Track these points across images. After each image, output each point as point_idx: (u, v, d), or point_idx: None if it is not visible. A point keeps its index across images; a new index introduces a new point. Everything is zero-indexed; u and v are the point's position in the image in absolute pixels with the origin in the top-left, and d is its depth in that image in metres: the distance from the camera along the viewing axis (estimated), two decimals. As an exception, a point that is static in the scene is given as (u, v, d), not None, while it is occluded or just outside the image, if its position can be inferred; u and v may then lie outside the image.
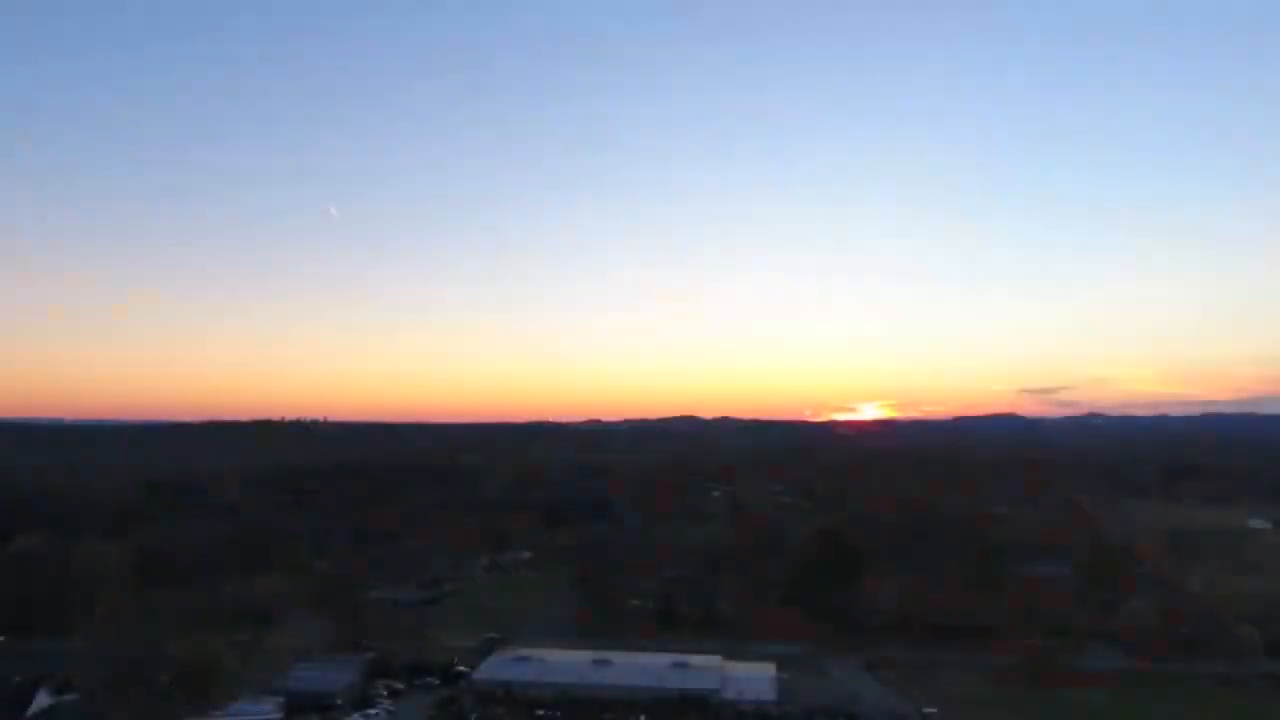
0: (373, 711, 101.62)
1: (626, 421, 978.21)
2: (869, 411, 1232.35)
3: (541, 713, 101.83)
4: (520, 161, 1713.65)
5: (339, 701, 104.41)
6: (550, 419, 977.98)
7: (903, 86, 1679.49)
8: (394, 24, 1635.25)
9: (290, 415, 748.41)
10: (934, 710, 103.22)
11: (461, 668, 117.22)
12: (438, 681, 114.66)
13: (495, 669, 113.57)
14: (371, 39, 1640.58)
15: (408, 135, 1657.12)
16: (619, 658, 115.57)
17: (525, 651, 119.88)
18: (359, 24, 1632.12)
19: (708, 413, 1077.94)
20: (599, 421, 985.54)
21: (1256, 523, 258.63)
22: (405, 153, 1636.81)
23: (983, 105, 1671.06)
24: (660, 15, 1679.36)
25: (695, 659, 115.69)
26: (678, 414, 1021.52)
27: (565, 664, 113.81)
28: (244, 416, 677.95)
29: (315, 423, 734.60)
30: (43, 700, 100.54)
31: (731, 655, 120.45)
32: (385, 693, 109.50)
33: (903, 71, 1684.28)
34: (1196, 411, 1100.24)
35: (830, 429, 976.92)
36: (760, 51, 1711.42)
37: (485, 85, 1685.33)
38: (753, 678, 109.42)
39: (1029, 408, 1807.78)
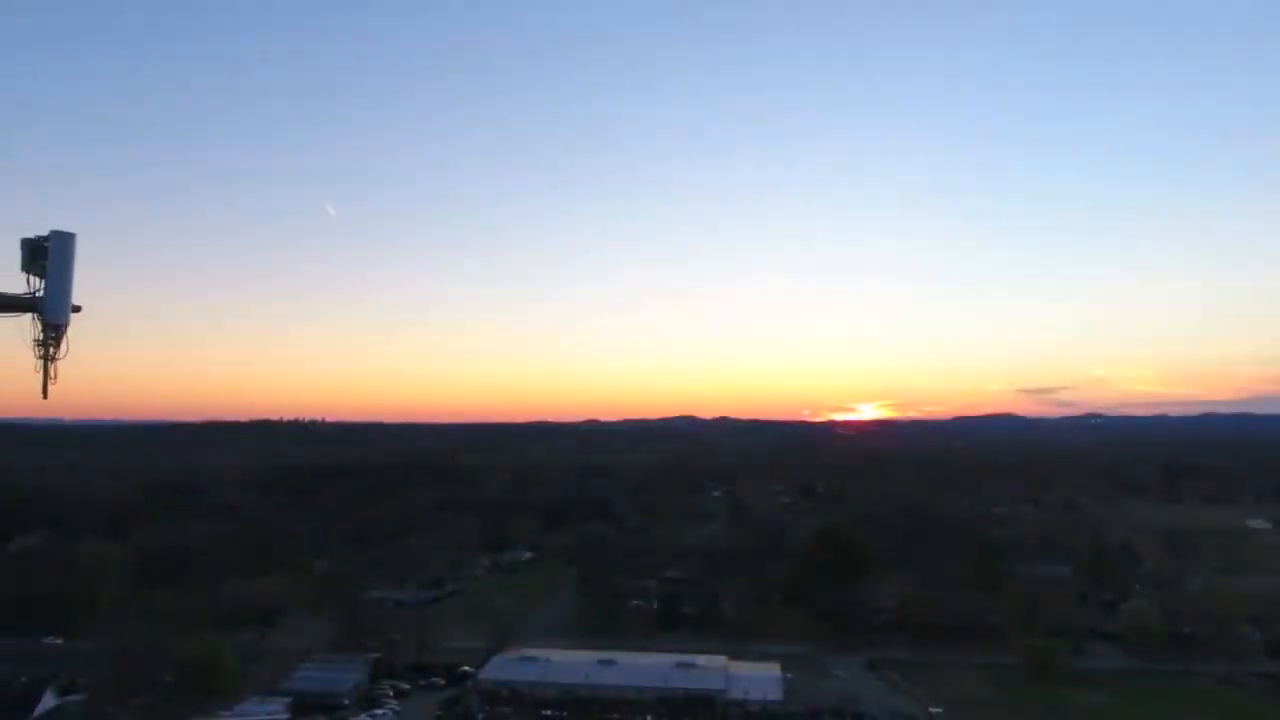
0: (379, 712, 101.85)
1: (625, 421, 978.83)
2: (867, 412, 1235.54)
3: (548, 713, 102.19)
4: (520, 161, 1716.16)
5: (346, 702, 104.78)
6: (549, 419, 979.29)
7: (903, 86, 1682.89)
8: (394, 24, 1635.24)
9: (290, 415, 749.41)
10: (939, 710, 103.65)
11: (466, 668, 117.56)
12: (443, 682, 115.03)
13: (501, 669, 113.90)
14: (371, 39, 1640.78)
15: (408, 135, 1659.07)
16: (624, 658, 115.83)
17: (530, 652, 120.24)
18: (359, 24, 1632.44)
19: (706, 413, 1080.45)
20: (598, 421, 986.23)
21: (1256, 523, 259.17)
22: (405, 153, 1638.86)
23: (983, 105, 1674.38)
24: (660, 15, 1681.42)
25: (700, 659, 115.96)
26: (676, 414, 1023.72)
27: (570, 664, 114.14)
28: (244, 416, 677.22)
29: (315, 423, 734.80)
30: (49, 701, 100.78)
31: (734, 655, 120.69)
32: (391, 693, 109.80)
33: (903, 71, 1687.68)
34: (1195, 411, 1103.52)
35: (829, 429, 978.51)
36: (760, 51, 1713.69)
37: (485, 85, 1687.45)
38: (758, 678, 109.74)
39: (1027, 408, 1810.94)
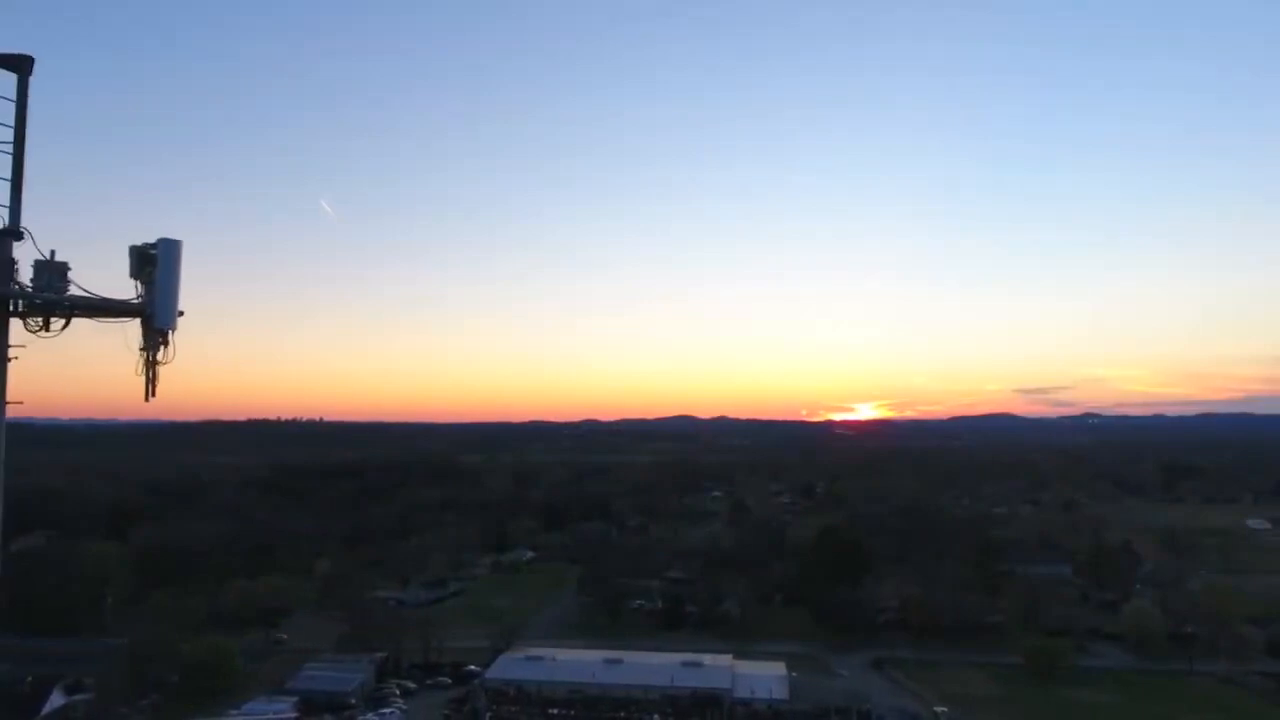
0: (387, 711, 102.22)
1: (623, 421, 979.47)
2: (865, 411, 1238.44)
3: (554, 711, 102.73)
4: (520, 161, 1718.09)
5: (353, 701, 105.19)
6: (547, 419, 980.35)
7: (903, 86, 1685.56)
8: (394, 24, 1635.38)
9: (290, 415, 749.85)
10: (945, 709, 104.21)
11: (472, 667, 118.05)
12: (449, 681, 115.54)
13: (507, 668, 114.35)
14: (371, 39, 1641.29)
15: (407, 134, 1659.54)
16: (630, 657, 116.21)
17: (536, 651, 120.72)
18: (359, 24, 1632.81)
19: (704, 413, 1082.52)
20: (596, 421, 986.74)
21: (1255, 523, 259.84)
22: (405, 152, 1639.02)
23: (982, 105, 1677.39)
24: (660, 14, 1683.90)
25: (706, 658, 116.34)
26: (674, 414, 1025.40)
27: (576, 663, 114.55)
28: (243, 416, 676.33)
29: (314, 423, 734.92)
30: (56, 700, 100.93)
31: (738, 655, 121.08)
32: (398, 692, 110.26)
33: (902, 71, 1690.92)
34: (1193, 411, 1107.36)
35: (827, 429, 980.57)
36: (761, 51, 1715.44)
37: (485, 85, 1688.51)
38: (764, 676, 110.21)
39: (1024, 407, 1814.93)
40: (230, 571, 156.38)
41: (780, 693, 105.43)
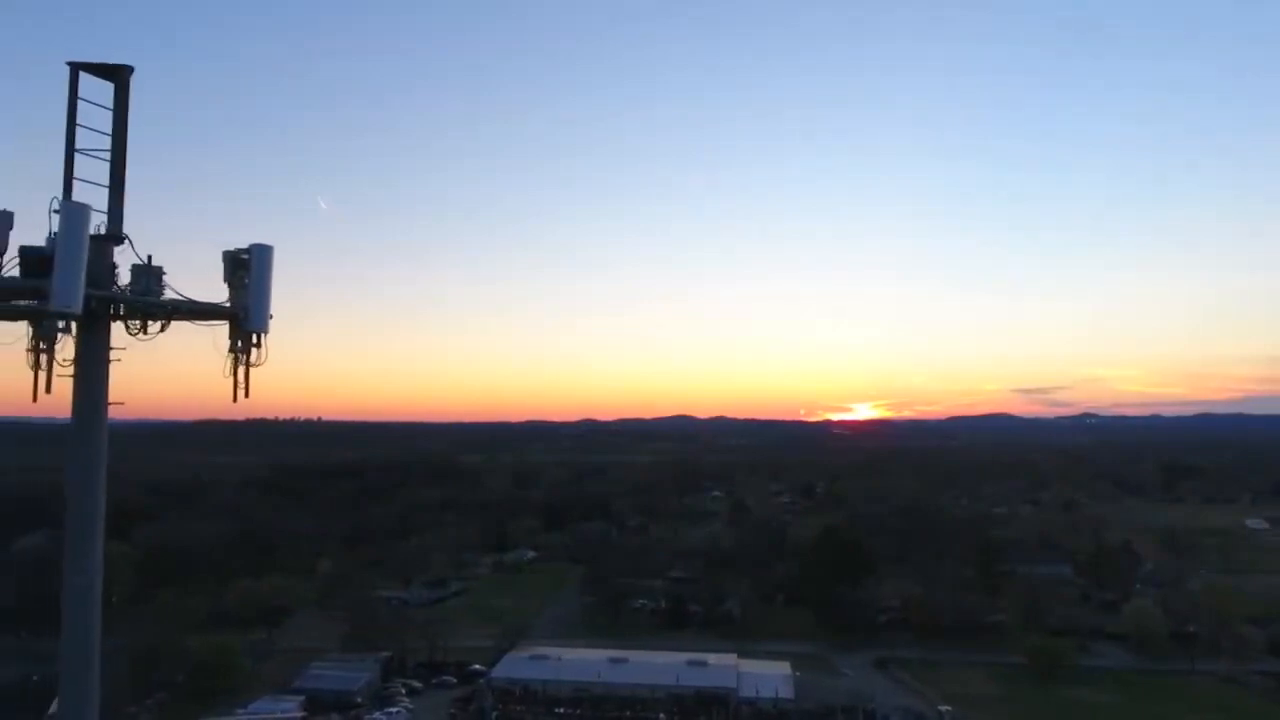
0: (393, 710, 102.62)
1: (621, 421, 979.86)
2: (863, 411, 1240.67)
3: (560, 710, 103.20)
4: (520, 161, 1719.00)
5: (359, 700, 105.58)
6: (546, 419, 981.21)
7: (903, 86, 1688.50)
8: (394, 24, 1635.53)
9: (289, 415, 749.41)
10: (949, 708, 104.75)
11: (477, 666, 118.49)
12: (454, 680, 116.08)
13: (512, 667, 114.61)
14: (371, 39, 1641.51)
15: (407, 134, 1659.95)
16: (635, 656, 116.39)
17: (542, 650, 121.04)
18: (359, 24, 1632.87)
19: (703, 413, 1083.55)
20: (594, 421, 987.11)
21: (1254, 523, 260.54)
22: (405, 151, 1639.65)
23: (982, 106, 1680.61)
24: (660, 14, 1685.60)
25: (711, 657, 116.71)
26: (673, 414, 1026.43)
27: (582, 662, 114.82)
28: (243, 416, 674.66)
29: (314, 423, 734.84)
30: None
31: (741, 654, 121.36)
32: (404, 691, 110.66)
33: (902, 71, 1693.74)
34: (1190, 411, 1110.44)
35: (826, 428, 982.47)
36: (761, 51, 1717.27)
37: (485, 84, 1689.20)
38: (769, 676, 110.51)
39: (1022, 407, 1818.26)
40: (231, 571, 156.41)
41: (786, 692, 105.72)
